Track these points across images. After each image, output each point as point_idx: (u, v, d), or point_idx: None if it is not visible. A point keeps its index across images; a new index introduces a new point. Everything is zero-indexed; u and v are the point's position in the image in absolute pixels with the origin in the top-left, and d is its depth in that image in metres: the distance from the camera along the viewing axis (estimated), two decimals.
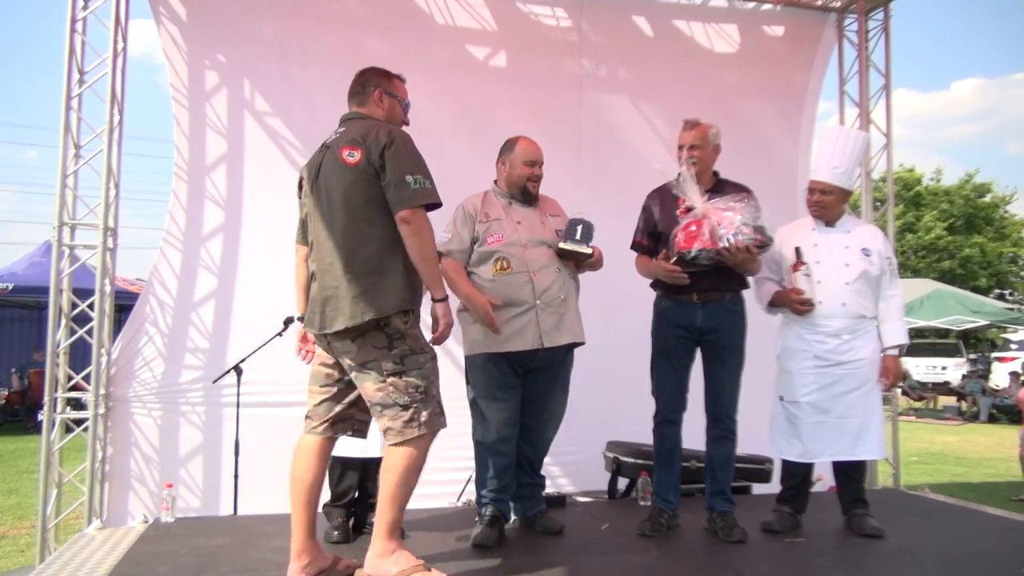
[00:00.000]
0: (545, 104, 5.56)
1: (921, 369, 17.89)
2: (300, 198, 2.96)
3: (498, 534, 3.39)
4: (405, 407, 2.65)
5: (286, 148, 5.11)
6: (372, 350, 2.67)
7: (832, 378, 3.59)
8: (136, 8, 5.02)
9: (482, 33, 5.57)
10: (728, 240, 3.32)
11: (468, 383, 3.54)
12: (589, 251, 3.45)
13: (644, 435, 3.91)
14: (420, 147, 5.11)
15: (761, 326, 3.82)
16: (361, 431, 2.94)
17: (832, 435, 3.58)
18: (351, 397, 2.83)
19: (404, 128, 2.98)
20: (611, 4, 5.75)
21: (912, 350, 18.87)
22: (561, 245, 3.47)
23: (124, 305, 6.68)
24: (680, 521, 3.67)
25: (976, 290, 22.63)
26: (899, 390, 16.49)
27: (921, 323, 15.09)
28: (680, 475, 3.69)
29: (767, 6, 6.02)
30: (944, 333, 18.47)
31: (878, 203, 6.21)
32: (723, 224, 3.34)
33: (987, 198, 27.57)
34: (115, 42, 4.66)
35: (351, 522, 3.50)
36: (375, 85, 2.97)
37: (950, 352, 18.34)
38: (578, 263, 3.56)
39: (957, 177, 28.26)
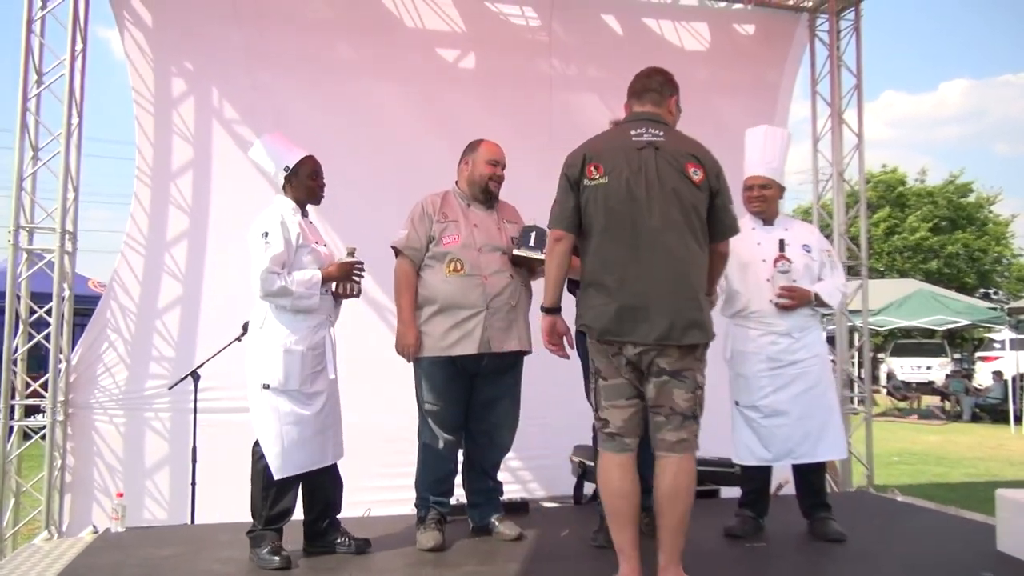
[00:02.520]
0: (516, 104, 5.53)
1: (906, 369, 17.94)
2: (578, 182, 2.77)
3: (444, 536, 3.40)
4: (697, 420, 2.71)
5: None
6: (693, 360, 2.71)
7: (787, 379, 3.54)
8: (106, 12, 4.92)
9: (452, 35, 5.52)
10: None
11: (415, 384, 3.53)
12: (543, 257, 3.40)
13: None
14: (392, 150, 5.18)
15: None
16: None
17: (795, 437, 3.53)
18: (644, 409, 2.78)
19: None
20: (580, 2, 5.71)
21: (897, 350, 18.96)
22: (515, 252, 3.45)
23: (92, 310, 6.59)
24: None
25: (962, 290, 22.71)
26: (884, 390, 16.62)
27: (903, 323, 15.10)
28: None
29: (738, 5, 6.00)
30: (930, 333, 18.53)
31: (854, 203, 6.17)
32: None
33: (970, 198, 27.65)
34: (73, 43, 4.60)
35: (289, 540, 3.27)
36: (672, 91, 2.95)
37: (935, 352, 18.38)
38: (532, 269, 3.54)
39: (944, 178, 28.31)
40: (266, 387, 3.15)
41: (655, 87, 2.91)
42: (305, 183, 3.34)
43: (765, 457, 3.59)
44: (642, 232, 2.67)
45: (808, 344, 3.56)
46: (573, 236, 2.81)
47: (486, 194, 3.55)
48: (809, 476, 3.68)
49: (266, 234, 3.14)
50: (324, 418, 3.22)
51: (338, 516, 3.41)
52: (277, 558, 3.06)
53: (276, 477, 3.11)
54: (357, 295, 3.41)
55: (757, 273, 3.57)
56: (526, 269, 3.54)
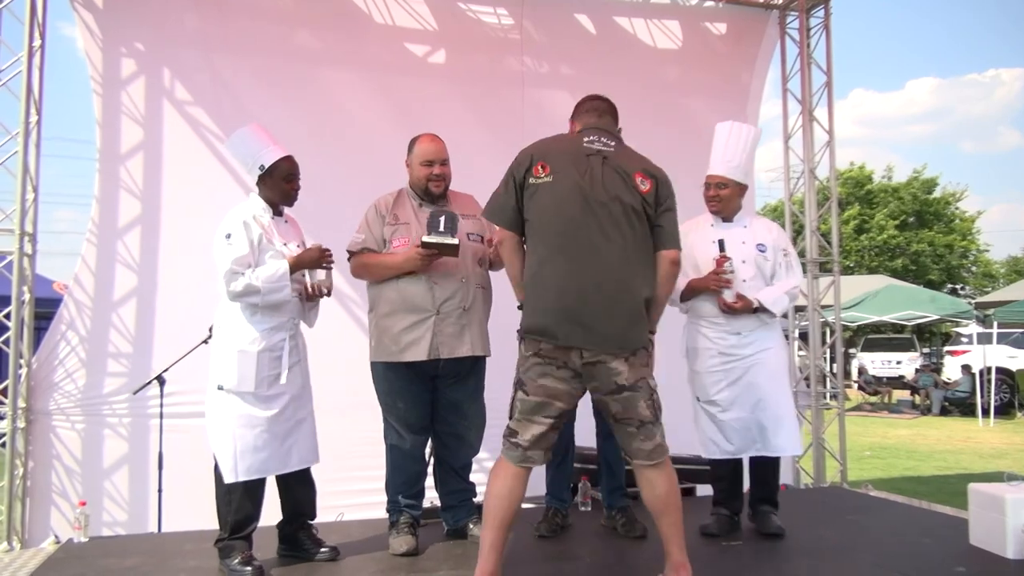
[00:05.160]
0: (487, 101, 5.48)
1: (876, 364, 18.17)
2: (523, 182, 2.80)
3: (416, 540, 3.35)
4: (658, 423, 2.74)
5: (209, 138, 4.93)
6: (641, 368, 2.73)
7: (740, 372, 3.56)
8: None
9: (422, 32, 5.45)
10: None
11: (375, 388, 3.47)
12: (455, 241, 3.22)
13: (588, 438, 3.84)
14: (359, 145, 5.09)
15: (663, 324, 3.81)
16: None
17: (753, 430, 3.56)
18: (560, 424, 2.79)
19: None
20: (553, 2, 5.68)
21: (868, 345, 19.20)
22: (424, 239, 3.23)
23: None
24: (572, 521, 3.76)
25: (929, 285, 23.07)
26: (855, 385, 16.82)
27: (873, 318, 15.29)
28: (572, 474, 3.80)
29: (709, 3, 6.00)
30: (900, 328, 18.79)
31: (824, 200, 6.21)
32: None
33: (936, 193, 28.09)
34: (30, 39, 4.46)
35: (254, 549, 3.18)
36: (618, 124, 3.02)
37: (905, 347, 18.64)
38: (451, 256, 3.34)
39: (909, 175, 28.73)
40: (220, 388, 3.09)
41: (611, 112, 2.99)
42: (279, 185, 3.24)
43: (729, 450, 3.61)
44: (581, 235, 2.68)
45: (758, 339, 3.57)
46: (516, 234, 2.84)
47: (429, 195, 3.44)
48: (761, 470, 3.69)
49: (229, 236, 3.09)
50: (284, 422, 3.12)
51: (312, 522, 3.34)
52: (249, 568, 2.98)
53: (226, 481, 3.04)
54: (327, 294, 3.30)
55: (706, 271, 3.60)
56: (483, 261, 3.43)
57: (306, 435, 3.25)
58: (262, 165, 3.21)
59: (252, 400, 3.06)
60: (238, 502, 3.04)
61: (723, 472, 3.71)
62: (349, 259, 3.45)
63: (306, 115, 4.98)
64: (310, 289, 3.23)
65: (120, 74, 4.84)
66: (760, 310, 3.55)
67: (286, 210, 3.36)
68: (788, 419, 3.58)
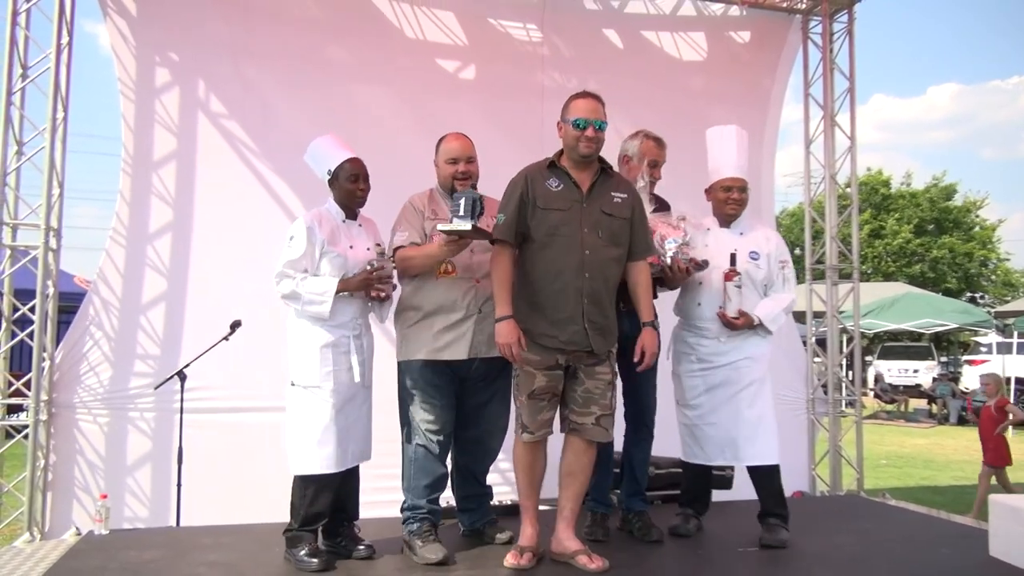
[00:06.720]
0: (512, 114, 5.45)
1: (893, 372, 18.00)
2: None
3: (444, 546, 3.29)
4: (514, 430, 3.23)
5: (241, 150, 4.97)
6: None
7: (718, 379, 3.56)
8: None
9: (452, 47, 5.49)
10: (670, 257, 3.32)
11: (401, 388, 3.41)
12: (467, 227, 2.99)
13: None
14: (385, 153, 5.08)
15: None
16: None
17: (725, 438, 3.55)
18: None
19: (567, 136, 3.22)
20: (580, 18, 5.71)
21: (884, 353, 19.03)
22: (439, 227, 3.13)
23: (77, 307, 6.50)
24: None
25: (947, 293, 22.84)
26: (871, 393, 16.69)
27: (891, 326, 15.15)
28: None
29: (734, 10, 5.98)
30: (917, 336, 18.60)
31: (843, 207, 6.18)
32: (667, 240, 3.34)
33: (956, 200, 27.80)
34: (59, 36, 4.52)
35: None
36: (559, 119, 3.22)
37: (922, 355, 18.44)
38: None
39: (927, 182, 28.48)
40: (292, 384, 3.19)
41: None
42: (343, 187, 3.30)
43: (699, 455, 3.64)
44: None
45: (740, 346, 3.56)
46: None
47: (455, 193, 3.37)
48: (758, 481, 3.64)
49: (292, 238, 3.20)
50: (345, 419, 3.18)
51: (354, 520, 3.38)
52: (316, 560, 3.06)
53: (293, 473, 3.12)
54: (387, 298, 3.35)
55: (740, 285, 3.57)
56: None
57: (362, 432, 3.31)
58: (329, 170, 3.31)
59: (316, 395, 3.14)
60: (312, 496, 3.12)
61: (692, 474, 3.76)
62: (392, 257, 3.39)
63: (336, 126, 4.90)
64: (370, 294, 3.27)
65: (153, 82, 4.89)
66: (759, 327, 3.55)
67: (362, 213, 3.41)
68: (764, 428, 3.55)
